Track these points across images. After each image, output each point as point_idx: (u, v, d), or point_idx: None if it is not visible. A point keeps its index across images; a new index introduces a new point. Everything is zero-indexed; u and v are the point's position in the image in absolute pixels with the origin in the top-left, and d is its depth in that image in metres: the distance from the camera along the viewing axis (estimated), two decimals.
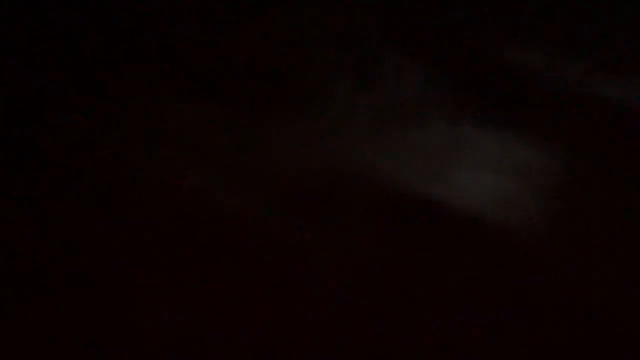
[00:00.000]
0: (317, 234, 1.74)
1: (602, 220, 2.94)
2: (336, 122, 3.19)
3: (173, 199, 1.81)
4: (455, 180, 3.73)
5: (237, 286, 1.68)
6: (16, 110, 2.34)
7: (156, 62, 2.71)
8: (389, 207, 2.44)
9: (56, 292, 1.59)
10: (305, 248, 1.71)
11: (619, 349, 1.82)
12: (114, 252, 1.64)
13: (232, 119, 2.13)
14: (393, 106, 4.26)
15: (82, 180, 1.85)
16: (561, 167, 4.05)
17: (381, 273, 1.68)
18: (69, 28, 3.01)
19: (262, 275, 1.66)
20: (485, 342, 1.75)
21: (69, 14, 2.90)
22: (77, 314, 1.61)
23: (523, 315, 1.87)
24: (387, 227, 2.06)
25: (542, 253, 2.88)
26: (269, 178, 1.95)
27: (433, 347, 1.62)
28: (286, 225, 1.79)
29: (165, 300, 1.62)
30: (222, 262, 1.67)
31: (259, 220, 1.80)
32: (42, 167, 1.94)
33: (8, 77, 2.54)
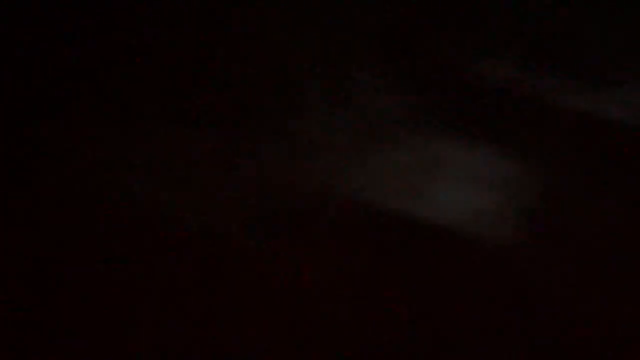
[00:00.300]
0: (299, 251, 1.80)
1: (580, 231, 3.02)
2: (314, 141, 3.31)
3: (156, 219, 1.86)
4: (434, 196, 3.83)
5: (223, 303, 1.73)
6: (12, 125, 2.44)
7: (136, 85, 2.80)
8: (368, 223, 2.52)
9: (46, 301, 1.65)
10: (288, 264, 1.77)
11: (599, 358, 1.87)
12: (99, 273, 1.70)
13: (213, 141, 2.20)
14: (369, 124, 4.42)
15: (69, 203, 1.91)
16: (538, 179, 4.17)
17: (361, 287, 1.73)
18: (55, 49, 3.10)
19: (248, 293, 1.72)
20: (464, 355, 1.80)
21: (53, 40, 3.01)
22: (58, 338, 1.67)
23: (502, 328, 1.92)
24: (367, 243, 2.12)
25: (522, 266, 2.99)
26: (250, 197, 2.03)
27: (413, 357, 1.68)
28: (269, 243, 1.85)
29: (153, 318, 1.67)
30: (208, 281, 1.72)
31: (243, 239, 1.87)
32: (35, 189, 2.01)
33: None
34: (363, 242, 2.31)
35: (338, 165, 3.25)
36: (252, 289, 1.71)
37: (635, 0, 3.99)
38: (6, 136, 2.44)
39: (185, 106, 2.43)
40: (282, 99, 2.99)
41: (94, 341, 1.67)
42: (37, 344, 1.64)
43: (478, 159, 4.22)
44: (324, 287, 1.80)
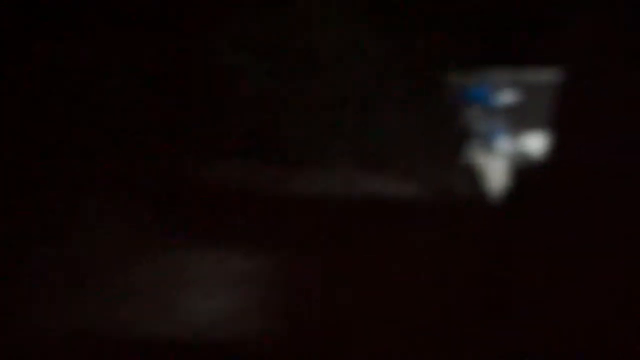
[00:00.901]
0: None
1: (324, 318, 3.52)
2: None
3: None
4: (183, 307, 4.14)
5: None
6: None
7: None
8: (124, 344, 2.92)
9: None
10: None
11: None
12: None
13: None
14: (101, 252, 4.74)
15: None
16: (280, 272, 4.50)
17: None
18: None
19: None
20: None
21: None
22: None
23: None
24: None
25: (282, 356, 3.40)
26: None
27: None
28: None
29: None
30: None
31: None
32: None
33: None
34: None
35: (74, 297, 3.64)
36: None
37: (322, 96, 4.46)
38: None
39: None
40: None
41: None
42: None
43: (217, 259, 4.54)
44: None
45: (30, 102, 6.38)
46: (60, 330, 4.38)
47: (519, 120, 5.51)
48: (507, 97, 5.26)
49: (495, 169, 4.69)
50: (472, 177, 5.40)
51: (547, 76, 5.34)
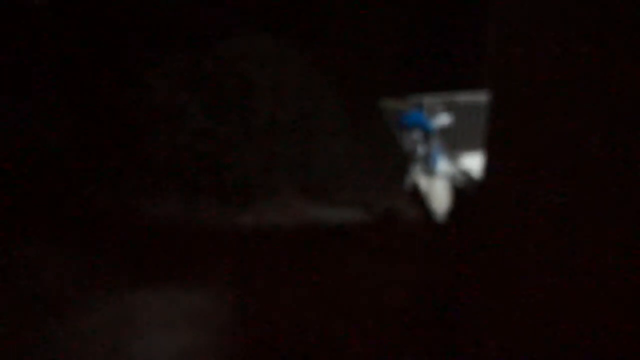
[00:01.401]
0: None
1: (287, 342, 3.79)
2: None
3: None
4: (137, 350, 4.34)
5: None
6: None
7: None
8: None
9: None
10: None
11: None
12: None
13: None
14: (44, 299, 5.00)
15: None
16: (232, 306, 4.81)
17: None
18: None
19: None
20: None
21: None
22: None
23: None
24: None
25: None
26: None
27: None
28: None
29: None
30: None
31: None
32: None
33: None
34: None
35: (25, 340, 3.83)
36: None
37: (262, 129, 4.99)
38: None
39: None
40: None
41: None
42: None
43: (176, 301, 4.84)
44: None
45: None
46: None
47: (455, 141, 5.67)
48: (442, 120, 5.42)
49: (437, 190, 4.81)
50: (416, 198, 5.51)
51: (479, 98, 5.53)
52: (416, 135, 5.61)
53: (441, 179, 5.04)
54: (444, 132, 5.95)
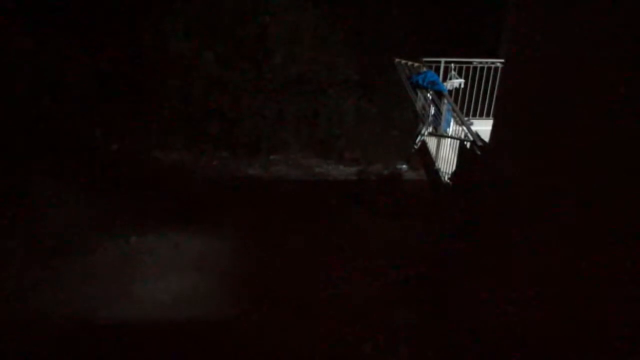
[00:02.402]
0: None
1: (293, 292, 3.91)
2: None
3: None
4: (141, 291, 4.48)
5: None
6: None
7: None
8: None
9: None
10: None
11: None
12: None
13: None
14: (53, 237, 5.12)
15: None
16: (236, 253, 4.93)
17: None
18: None
19: None
20: None
21: None
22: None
23: None
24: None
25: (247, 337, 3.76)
26: None
27: None
28: None
29: None
30: None
31: None
32: None
33: None
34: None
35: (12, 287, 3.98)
36: None
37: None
38: None
39: None
40: None
41: None
42: None
43: (179, 246, 4.96)
44: None
45: None
46: (21, 312, 4.35)
47: (466, 104, 5.65)
48: (455, 82, 5.40)
49: (445, 151, 4.83)
50: (423, 158, 5.53)
51: (493, 63, 5.49)
52: (428, 95, 5.60)
53: (450, 141, 5.04)
54: (456, 94, 5.93)
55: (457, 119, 4.94)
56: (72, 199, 6.68)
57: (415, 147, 5.65)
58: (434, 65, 6.06)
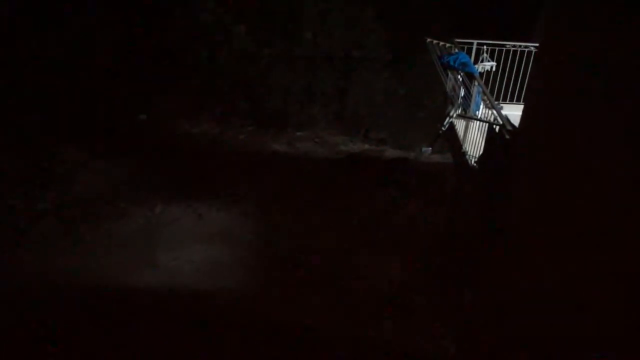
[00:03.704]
0: None
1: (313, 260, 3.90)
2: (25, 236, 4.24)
3: None
4: (164, 260, 4.53)
5: None
6: None
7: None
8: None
9: None
10: None
11: None
12: None
13: None
14: (80, 204, 5.19)
15: None
16: (258, 227, 4.94)
17: None
18: None
19: None
20: None
21: None
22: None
23: None
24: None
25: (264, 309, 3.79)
26: None
27: None
28: None
29: None
30: None
31: None
32: None
33: None
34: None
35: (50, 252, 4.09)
36: None
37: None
38: None
39: None
40: None
41: None
42: None
43: (199, 217, 5.04)
44: None
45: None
46: (46, 278, 4.44)
47: (497, 87, 5.57)
48: (487, 64, 5.32)
49: (473, 134, 4.79)
50: (451, 141, 5.49)
51: (526, 47, 5.39)
52: (459, 77, 5.53)
53: (478, 123, 4.99)
54: (487, 76, 5.85)
55: (487, 101, 4.88)
56: (99, 168, 6.78)
57: (443, 128, 5.61)
58: (465, 46, 5.98)
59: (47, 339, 4.01)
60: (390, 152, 7.84)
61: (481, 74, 5.54)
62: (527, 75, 5.13)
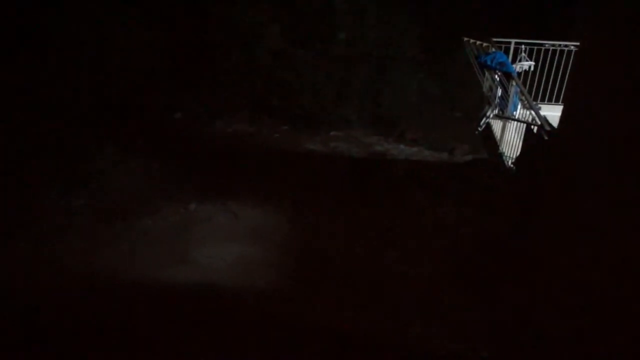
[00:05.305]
0: None
1: (328, 260, 3.88)
2: (56, 229, 4.30)
3: None
4: (198, 257, 4.52)
5: None
6: None
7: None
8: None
9: None
10: None
11: None
12: None
13: None
14: (116, 201, 5.17)
15: None
16: (283, 223, 4.91)
17: None
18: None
19: None
20: None
21: None
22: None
23: None
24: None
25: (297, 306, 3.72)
26: None
27: None
28: None
29: None
30: None
31: None
32: None
33: None
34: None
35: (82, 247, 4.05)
36: None
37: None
38: None
39: None
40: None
41: None
42: None
43: (231, 216, 4.97)
44: None
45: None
46: (82, 273, 4.51)
47: (535, 87, 5.46)
48: (525, 64, 5.23)
49: (510, 135, 4.71)
50: (487, 142, 5.40)
51: (566, 47, 5.28)
52: (496, 77, 5.45)
53: (515, 124, 4.90)
54: (525, 76, 5.75)
55: (525, 102, 4.80)
56: (135, 165, 6.88)
57: (480, 129, 5.53)
58: (503, 46, 5.89)
59: (87, 332, 4.08)
60: (425, 153, 7.77)
61: (519, 73, 5.45)
62: (567, 75, 5.03)
